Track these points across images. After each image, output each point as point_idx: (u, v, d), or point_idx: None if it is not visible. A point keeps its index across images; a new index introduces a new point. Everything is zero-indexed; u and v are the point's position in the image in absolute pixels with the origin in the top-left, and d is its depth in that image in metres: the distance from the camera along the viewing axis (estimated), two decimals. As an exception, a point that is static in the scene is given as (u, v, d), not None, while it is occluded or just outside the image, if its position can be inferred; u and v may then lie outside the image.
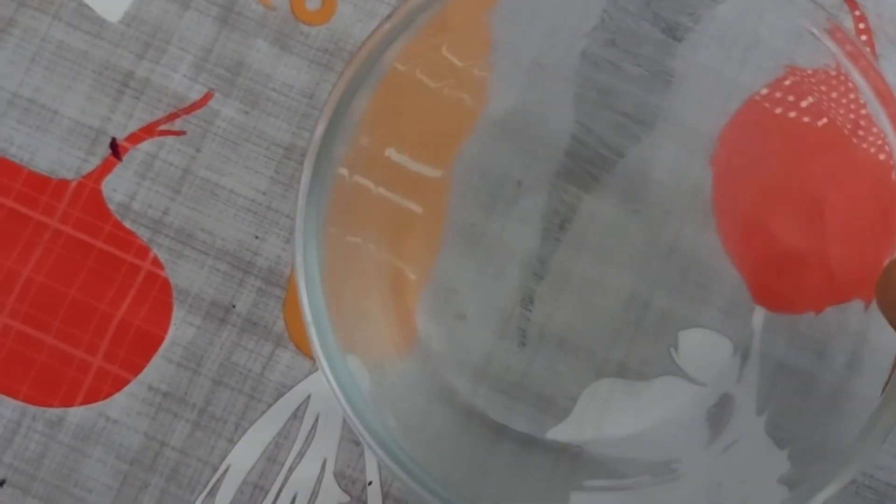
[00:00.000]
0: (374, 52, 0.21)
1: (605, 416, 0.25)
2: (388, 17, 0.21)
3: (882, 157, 0.24)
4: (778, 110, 0.25)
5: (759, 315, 0.25)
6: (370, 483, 0.25)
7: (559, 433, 0.25)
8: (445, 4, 0.22)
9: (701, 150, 0.26)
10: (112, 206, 0.26)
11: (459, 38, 0.25)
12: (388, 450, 0.21)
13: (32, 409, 0.25)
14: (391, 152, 0.25)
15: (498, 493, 0.24)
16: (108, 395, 0.25)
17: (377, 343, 0.25)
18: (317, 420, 0.25)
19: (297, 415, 0.25)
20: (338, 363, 0.21)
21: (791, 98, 0.25)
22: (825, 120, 0.25)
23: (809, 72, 0.25)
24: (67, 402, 0.25)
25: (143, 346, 0.25)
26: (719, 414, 0.25)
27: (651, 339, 0.25)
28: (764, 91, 0.26)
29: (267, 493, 0.25)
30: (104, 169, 0.26)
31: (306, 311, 0.21)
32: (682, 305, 0.25)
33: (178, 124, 0.26)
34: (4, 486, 0.25)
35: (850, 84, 0.24)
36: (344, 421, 0.25)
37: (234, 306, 0.26)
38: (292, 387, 0.25)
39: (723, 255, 0.26)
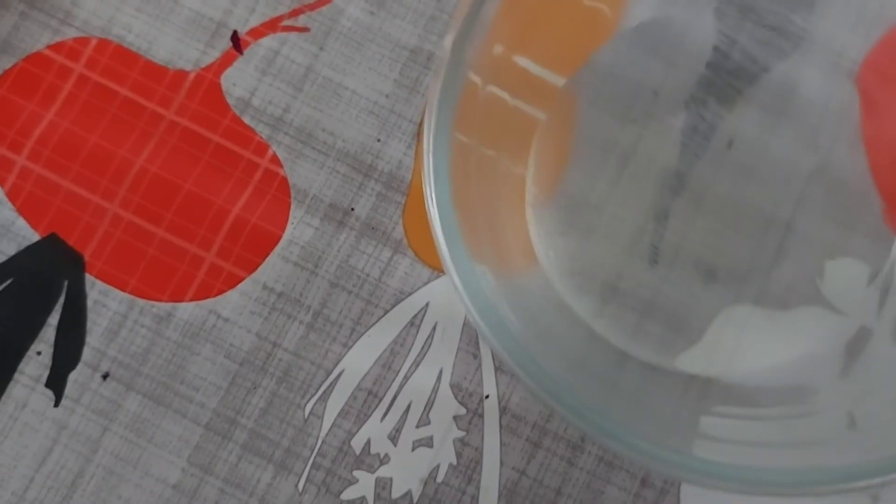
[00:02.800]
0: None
1: (741, 344, 0.24)
2: None
3: None
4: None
5: (900, 247, 0.24)
6: (487, 396, 0.24)
7: (689, 358, 0.24)
8: None
9: (847, 73, 0.24)
10: (231, 101, 0.25)
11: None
12: (513, 354, 0.20)
13: (140, 302, 0.24)
14: (519, 58, 0.24)
15: (625, 411, 0.22)
16: (220, 292, 0.24)
17: (503, 254, 0.24)
18: (434, 329, 0.24)
19: (415, 322, 0.24)
20: (466, 270, 0.20)
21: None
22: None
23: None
24: (177, 298, 0.24)
25: (258, 243, 0.24)
26: (856, 347, 0.24)
27: (794, 265, 0.24)
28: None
29: (381, 400, 0.24)
30: (224, 62, 0.25)
31: (435, 218, 0.20)
32: (827, 230, 0.24)
33: (301, 20, 0.25)
34: (108, 379, 0.24)
35: None
36: (462, 331, 0.24)
37: (352, 209, 0.25)
38: (410, 294, 0.24)
39: (870, 180, 0.24)
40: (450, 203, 0.20)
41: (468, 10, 0.20)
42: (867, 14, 0.25)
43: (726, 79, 0.24)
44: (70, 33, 0.25)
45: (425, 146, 0.20)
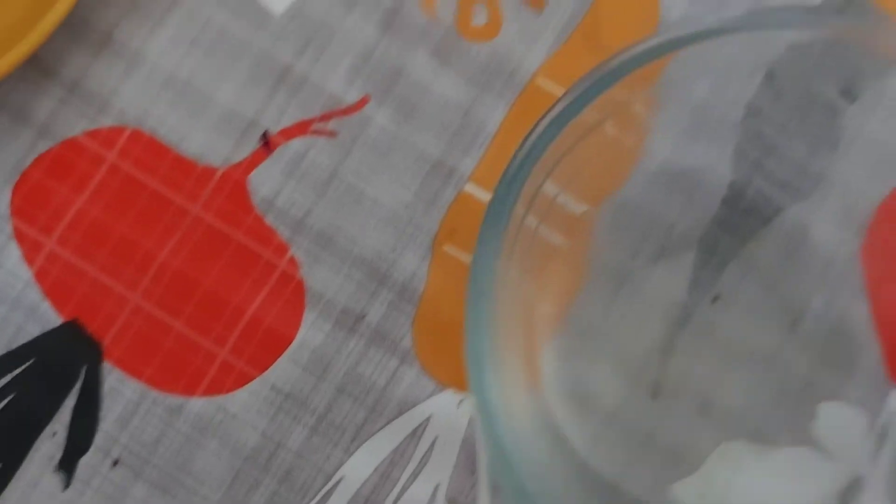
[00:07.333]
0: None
1: (734, 481, 0.24)
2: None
3: None
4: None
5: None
6: (482, 514, 0.24)
7: (682, 490, 0.24)
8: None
9: (859, 222, 0.25)
10: (255, 200, 0.26)
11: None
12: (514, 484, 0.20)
13: (153, 392, 0.25)
14: (548, 185, 0.24)
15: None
16: (231, 389, 0.25)
17: (508, 376, 0.24)
18: (434, 442, 0.25)
19: (416, 434, 0.25)
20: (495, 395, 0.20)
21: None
22: None
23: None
24: (189, 391, 0.25)
25: (271, 344, 0.25)
26: (850, 497, 0.24)
27: (790, 406, 0.24)
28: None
29: (378, 510, 0.24)
30: (253, 161, 0.26)
31: (474, 344, 0.20)
32: (825, 375, 0.24)
33: (330, 125, 0.26)
34: (117, 465, 0.25)
35: None
36: (461, 447, 0.25)
37: (364, 316, 0.25)
38: (414, 405, 0.25)
39: (872, 329, 0.25)
40: (488, 328, 0.20)
41: (533, 143, 0.20)
42: (889, 157, 0.25)
43: (740, 217, 0.25)
44: (106, 122, 0.26)
45: (472, 269, 0.20)
